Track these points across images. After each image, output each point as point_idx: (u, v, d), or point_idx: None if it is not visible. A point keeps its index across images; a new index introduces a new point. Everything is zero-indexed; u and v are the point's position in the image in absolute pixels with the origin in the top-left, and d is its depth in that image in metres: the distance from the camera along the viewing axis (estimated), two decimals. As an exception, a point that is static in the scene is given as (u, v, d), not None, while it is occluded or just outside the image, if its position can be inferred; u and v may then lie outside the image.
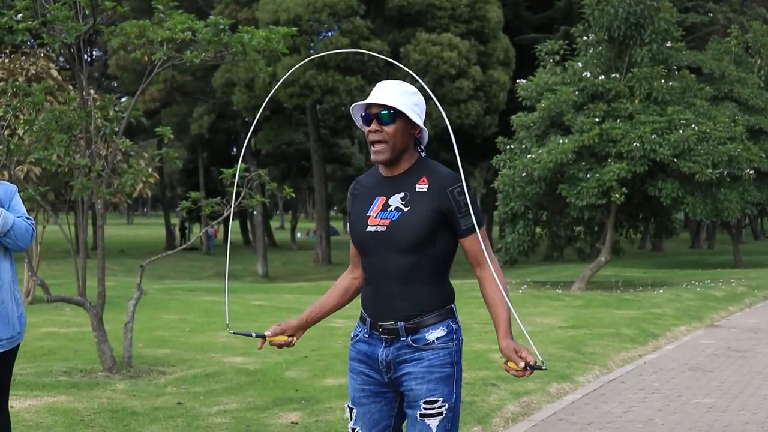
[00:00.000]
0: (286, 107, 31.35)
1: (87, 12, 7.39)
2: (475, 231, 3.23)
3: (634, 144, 17.08)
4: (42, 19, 7.29)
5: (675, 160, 17.15)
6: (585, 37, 18.94)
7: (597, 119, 17.64)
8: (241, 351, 9.23)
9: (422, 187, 3.25)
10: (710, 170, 17.19)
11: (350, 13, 28.30)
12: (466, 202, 3.22)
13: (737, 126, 19.62)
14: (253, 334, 3.41)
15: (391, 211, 3.26)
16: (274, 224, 79.51)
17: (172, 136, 7.32)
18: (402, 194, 3.27)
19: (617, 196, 16.97)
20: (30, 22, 7.21)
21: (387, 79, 25.39)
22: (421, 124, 3.28)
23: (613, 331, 11.20)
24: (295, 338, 3.48)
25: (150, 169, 11.12)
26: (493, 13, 30.39)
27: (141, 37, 7.55)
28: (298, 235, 63.06)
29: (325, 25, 28.18)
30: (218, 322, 12.05)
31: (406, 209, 3.23)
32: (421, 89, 3.39)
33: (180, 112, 38.16)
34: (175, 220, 55.73)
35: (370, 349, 3.35)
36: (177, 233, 54.18)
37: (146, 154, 11.00)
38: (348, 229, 3.54)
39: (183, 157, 56.73)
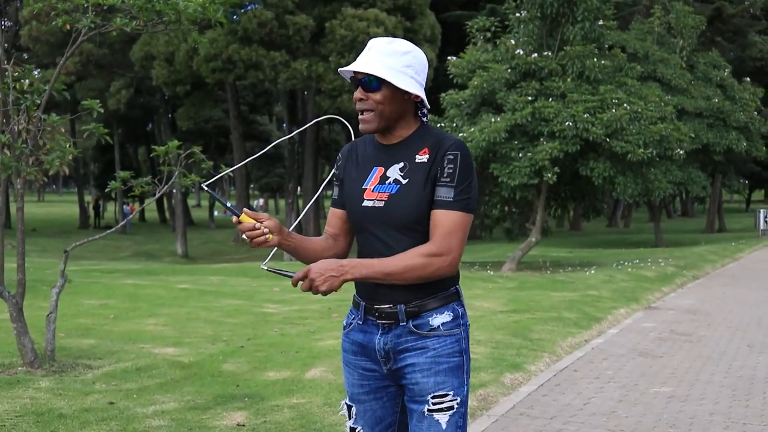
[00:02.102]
0: (208, 82, 30.47)
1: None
2: (446, 208, 2.76)
3: (567, 123, 16.89)
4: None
5: (608, 139, 17.02)
6: (517, 14, 18.64)
7: (529, 98, 17.39)
8: (173, 341, 8.67)
9: (423, 157, 2.84)
10: (642, 150, 17.09)
11: (274, -14, 27.58)
12: (454, 172, 2.77)
13: (667, 106, 19.59)
14: (229, 204, 2.83)
15: (389, 183, 2.87)
16: (191, 202, 78.21)
17: (101, 110, 6.70)
18: (401, 164, 2.87)
19: (549, 175, 16.77)
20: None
21: (312, 52, 24.59)
22: (413, 89, 2.82)
23: (555, 315, 10.94)
24: (271, 236, 2.79)
25: (68, 145, 10.42)
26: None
27: (64, 2, 6.89)
28: (216, 213, 62.03)
29: (249, -2, 27.41)
30: (143, 307, 11.43)
31: (404, 181, 2.84)
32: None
33: (96, 86, 36.92)
34: (88, 198, 54.19)
35: (366, 338, 2.95)
36: (91, 211, 52.75)
37: (63, 129, 10.26)
38: (333, 196, 3.14)
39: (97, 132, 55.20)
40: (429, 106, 2.95)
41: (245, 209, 2.81)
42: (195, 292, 13.37)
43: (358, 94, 2.84)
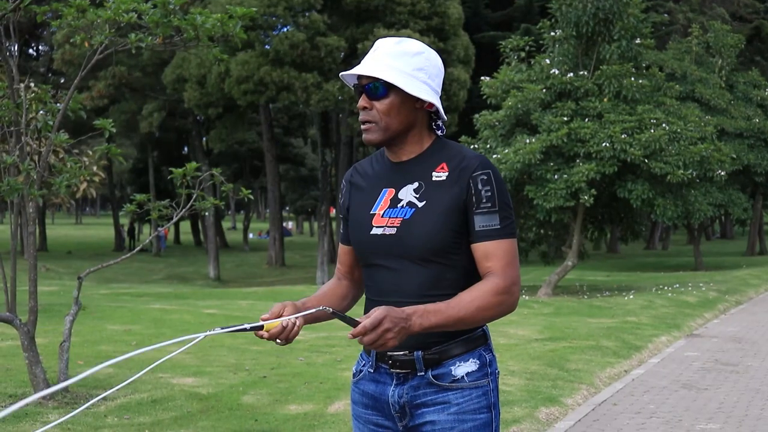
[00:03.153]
0: (240, 105, 30.34)
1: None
2: (497, 238, 2.39)
3: (604, 144, 16.44)
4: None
5: (646, 160, 16.54)
6: (552, 33, 18.24)
7: (565, 118, 16.97)
8: (193, 370, 8.33)
9: (440, 175, 2.45)
10: (681, 171, 16.59)
11: (307, 8, 27.39)
12: (493, 195, 2.39)
13: (707, 126, 19.07)
14: (247, 326, 2.32)
15: (402, 207, 2.47)
16: (226, 225, 78.37)
17: (113, 130, 6.40)
18: (415, 185, 2.47)
19: (586, 197, 16.31)
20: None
21: (345, 70, 24.73)
22: (425, 95, 2.43)
23: (594, 343, 10.48)
24: (297, 321, 2.36)
25: (95, 168, 10.09)
26: (454, 10, 29.66)
27: (79, 19, 6.63)
28: (251, 236, 62.01)
29: (281, 20, 27.22)
30: (167, 333, 11.13)
31: (420, 204, 2.44)
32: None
33: (129, 109, 36.94)
34: (124, 221, 54.34)
35: (378, 389, 2.54)
36: (126, 235, 52.87)
37: (90, 152, 9.95)
38: (341, 229, 2.73)
39: (132, 156, 55.54)
40: (446, 117, 2.56)
41: (262, 317, 2.37)
42: (222, 318, 13.06)
43: (362, 102, 2.46)
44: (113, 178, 54.96)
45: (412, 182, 2.48)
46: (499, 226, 2.39)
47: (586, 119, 17.09)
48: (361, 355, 2.65)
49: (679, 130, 17.21)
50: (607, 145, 16.41)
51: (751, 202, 31.65)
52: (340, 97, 27.62)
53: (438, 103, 2.48)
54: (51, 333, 10.48)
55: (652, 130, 16.66)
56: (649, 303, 15.36)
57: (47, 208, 65.90)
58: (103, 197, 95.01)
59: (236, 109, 34.33)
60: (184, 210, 6.84)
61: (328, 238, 34.80)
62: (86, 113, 7.31)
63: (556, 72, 17.58)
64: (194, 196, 6.95)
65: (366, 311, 2.53)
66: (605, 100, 17.32)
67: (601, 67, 17.56)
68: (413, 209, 2.44)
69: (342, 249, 2.72)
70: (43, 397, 6.75)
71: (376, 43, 2.51)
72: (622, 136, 16.44)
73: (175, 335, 10.90)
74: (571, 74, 17.58)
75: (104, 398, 6.94)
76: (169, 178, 7.37)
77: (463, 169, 2.42)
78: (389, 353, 2.46)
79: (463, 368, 2.45)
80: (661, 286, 18.93)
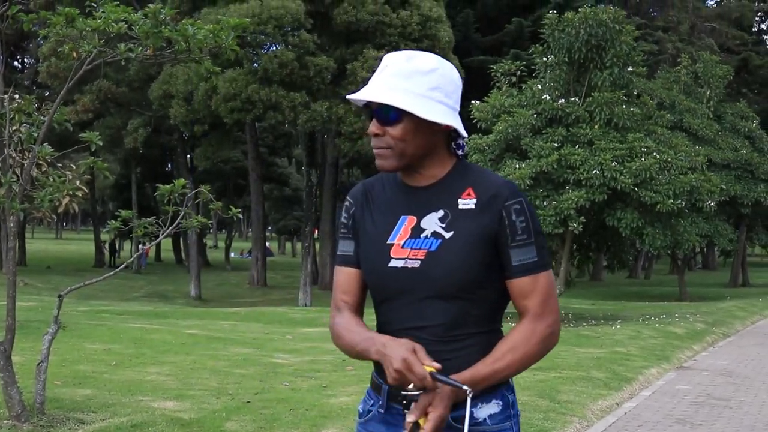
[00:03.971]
0: (226, 122, 30.11)
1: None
2: (535, 271, 2.19)
3: (594, 171, 16.34)
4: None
5: (636, 189, 16.43)
6: (544, 59, 18.15)
7: (555, 144, 16.85)
8: (174, 393, 8.06)
9: (468, 202, 2.22)
10: (671, 200, 16.48)
11: (297, 27, 27.20)
12: (528, 226, 2.19)
13: (697, 156, 19.00)
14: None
15: (426, 237, 2.22)
16: (207, 243, 77.87)
17: (100, 143, 6.17)
18: (440, 213, 2.23)
19: (575, 225, 16.18)
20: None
21: (332, 94, 23.84)
22: (442, 118, 2.18)
23: (584, 374, 10.27)
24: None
25: (78, 182, 9.89)
26: (444, 33, 29.59)
27: (68, 28, 6.41)
28: (232, 255, 61.60)
29: (270, 38, 27.03)
30: (147, 354, 10.85)
31: (447, 235, 2.20)
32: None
33: (114, 124, 36.65)
34: (105, 237, 53.83)
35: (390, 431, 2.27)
36: (106, 252, 52.41)
37: (73, 166, 9.78)
38: (341, 252, 2.37)
39: (116, 171, 55.11)
40: (466, 135, 2.32)
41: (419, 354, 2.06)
42: (203, 339, 12.78)
43: (373, 128, 2.21)
44: (95, 194, 54.58)
45: (436, 210, 2.24)
46: (536, 259, 2.20)
47: (577, 146, 16.98)
48: (368, 392, 2.38)
49: (669, 159, 17.13)
50: (598, 172, 16.31)
51: (736, 233, 31.63)
52: (327, 117, 27.44)
53: (457, 123, 2.24)
54: (28, 351, 10.18)
55: (643, 159, 16.57)
56: (636, 333, 15.18)
57: (27, 222, 65.35)
58: (85, 212, 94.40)
59: (222, 127, 34.09)
60: (170, 228, 6.61)
61: (312, 259, 34.54)
62: (71, 127, 7.08)
63: (548, 97, 17.50)
64: (181, 214, 6.71)
65: None
66: (596, 127, 17.22)
67: (592, 93, 17.48)
68: (440, 240, 2.20)
69: (347, 273, 2.38)
70: (18, 420, 6.48)
71: (384, 59, 2.27)
72: (613, 164, 16.35)
73: (155, 356, 10.65)
74: (563, 100, 17.50)
75: (81, 422, 6.68)
76: (155, 194, 7.13)
77: (493, 197, 2.20)
78: (403, 392, 2.18)
79: (485, 410, 2.23)
80: (647, 316, 18.76)
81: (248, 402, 7.73)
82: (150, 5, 6.24)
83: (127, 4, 6.69)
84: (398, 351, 2.03)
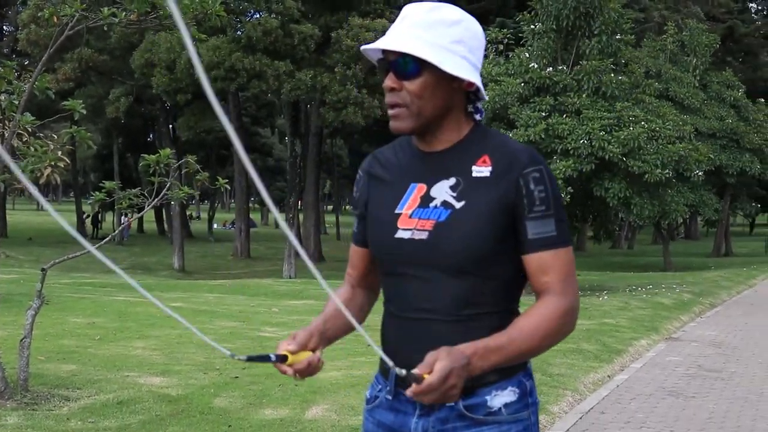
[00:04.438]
0: (209, 92, 29.74)
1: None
2: (554, 247, 1.99)
3: (582, 141, 16.21)
4: None
5: (624, 158, 16.31)
6: (532, 26, 17.95)
7: (543, 113, 16.69)
8: (160, 368, 7.90)
9: (482, 170, 2.02)
10: (659, 170, 16.39)
11: (280, -6, 26.90)
12: (547, 196, 1.99)
13: (685, 125, 18.89)
14: (272, 356, 1.91)
15: (435, 207, 2.04)
16: (191, 214, 77.53)
17: (84, 112, 5.96)
18: (452, 180, 2.05)
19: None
20: None
21: (317, 62, 23.40)
22: (466, 74, 1.99)
23: (574, 346, 10.18)
24: (320, 353, 2.04)
25: (59, 153, 9.67)
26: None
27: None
28: (215, 226, 61.33)
29: (254, 5, 26.65)
30: (132, 328, 10.68)
31: (458, 205, 2.02)
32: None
33: (95, 93, 36.23)
34: (87, 208, 53.46)
35: (398, 420, 2.11)
36: (89, 224, 52.03)
37: (55, 136, 9.56)
38: (354, 230, 2.28)
39: (97, 141, 54.57)
40: (486, 97, 2.13)
41: (287, 347, 1.97)
42: (189, 312, 12.62)
43: (389, 81, 2.00)
44: (77, 164, 54.10)
45: (447, 177, 2.06)
46: (555, 233, 2.00)
47: (564, 115, 16.83)
48: (376, 377, 2.22)
49: (657, 128, 17.02)
50: (585, 142, 16.18)
51: (721, 203, 31.66)
52: (312, 86, 27.17)
53: (479, 82, 2.05)
54: (10, 325, 10.02)
55: (631, 128, 16.45)
56: (624, 304, 15.12)
57: (8, 193, 64.73)
58: (66, 183, 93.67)
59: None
60: (156, 200, 6.43)
61: (296, 230, 34.35)
62: (53, 95, 6.86)
63: (535, 66, 17.32)
64: (167, 185, 6.52)
65: (385, 326, 2.14)
66: (584, 96, 17.07)
67: (580, 62, 17.32)
68: (449, 210, 2.02)
69: (354, 251, 2.29)
70: (1, 397, 6.31)
71: (404, 9, 2.05)
72: (601, 134, 16.22)
73: (140, 330, 10.49)
74: (550, 69, 17.33)
75: (67, 399, 6.52)
76: (139, 165, 6.93)
77: (510, 164, 2.00)
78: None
79: (500, 398, 2.04)
80: (633, 287, 18.73)
81: (236, 377, 7.59)
82: (134, -32, 6.02)
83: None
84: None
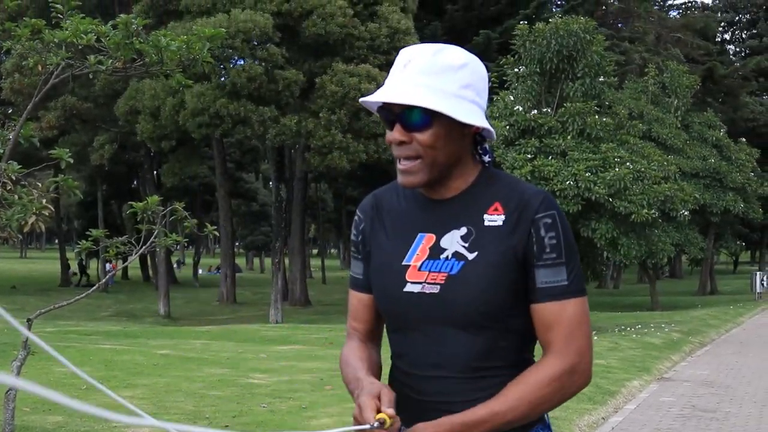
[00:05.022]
0: (194, 138, 29.76)
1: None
2: (563, 297, 1.90)
3: (568, 182, 16.24)
4: None
5: (610, 199, 16.35)
6: (516, 70, 18.07)
7: (529, 155, 16.75)
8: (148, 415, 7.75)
9: (495, 218, 1.94)
10: (646, 210, 16.43)
11: (265, 40, 26.92)
12: (558, 243, 1.91)
13: (670, 165, 18.99)
14: (372, 425, 1.77)
15: (447, 259, 1.94)
16: (173, 259, 77.23)
17: (71, 160, 5.91)
18: (463, 230, 1.95)
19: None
20: None
21: (302, 108, 23.43)
22: (478, 120, 1.91)
23: (567, 388, 10.09)
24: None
25: (44, 201, 9.59)
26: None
27: (34, 40, 6.16)
28: (201, 271, 61.04)
29: (238, 53, 26.74)
30: (119, 376, 10.54)
31: (471, 256, 1.92)
32: None
33: (79, 141, 36.11)
34: (71, 255, 53.12)
35: None
36: (75, 269, 51.73)
37: (40, 184, 9.44)
38: (353, 274, 2.15)
39: (82, 188, 54.47)
40: (494, 137, 2.03)
41: (384, 412, 1.80)
42: (176, 359, 12.47)
43: (398, 135, 1.90)
44: (61, 212, 53.88)
45: (458, 227, 1.96)
46: (566, 283, 1.91)
47: (550, 157, 16.88)
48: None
49: (642, 169, 17.09)
50: (572, 183, 16.21)
51: (705, 241, 31.78)
52: (297, 131, 27.20)
53: (489, 124, 1.97)
54: (-6, 375, 9.85)
55: (617, 169, 16.50)
56: (614, 345, 15.05)
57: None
58: (50, 230, 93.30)
59: (190, 143, 33.72)
60: (144, 247, 6.35)
61: (282, 275, 34.22)
62: (38, 143, 6.81)
63: (520, 108, 17.41)
64: (155, 233, 6.44)
65: (393, 382, 2.04)
66: (569, 137, 17.14)
67: (564, 104, 17.42)
68: (462, 262, 1.92)
69: (358, 299, 2.15)
70: (-14, 450, 6.18)
71: (405, 53, 1.94)
72: (587, 175, 16.26)
73: (127, 378, 10.34)
74: (535, 111, 17.41)
75: (53, 451, 6.38)
76: (123, 212, 6.86)
77: (523, 211, 1.93)
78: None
79: None
80: (623, 327, 18.68)
81: (227, 426, 7.47)
82: (121, 15, 6.00)
83: (92, 17, 6.42)
84: (362, 395, 1.83)
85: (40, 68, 6.50)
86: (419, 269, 1.96)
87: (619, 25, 46.18)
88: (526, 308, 1.95)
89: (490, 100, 18.74)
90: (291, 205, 36.31)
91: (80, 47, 6.22)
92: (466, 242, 1.94)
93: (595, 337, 16.30)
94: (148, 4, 30.39)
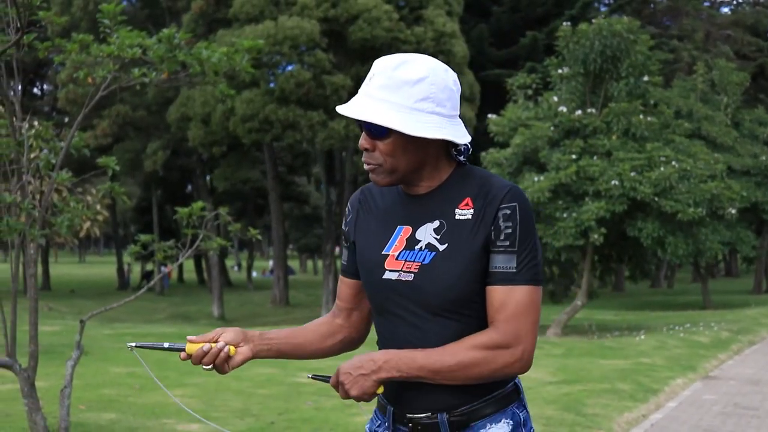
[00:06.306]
0: (244, 143, 30.23)
1: (18, 25, 6.28)
2: (510, 283, 2.05)
3: (613, 182, 16.27)
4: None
5: (656, 198, 16.35)
6: (559, 71, 18.13)
7: (574, 156, 16.80)
8: (199, 414, 8.04)
9: (465, 212, 2.10)
10: (692, 209, 16.39)
11: (312, 46, 27.31)
12: (513, 233, 2.05)
13: (717, 164, 18.89)
14: (166, 345, 2.22)
15: (421, 250, 2.12)
16: (229, 263, 78.08)
17: (117, 168, 6.20)
18: (436, 223, 2.13)
19: (596, 236, 16.11)
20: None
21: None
22: (432, 132, 2.04)
23: (609, 386, 10.20)
24: (233, 350, 2.16)
25: (99, 207, 9.89)
26: (459, 48, 29.60)
27: (82, 54, 6.46)
28: (254, 274, 61.67)
29: (286, 59, 27.15)
30: (172, 377, 10.86)
31: (441, 247, 2.09)
32: None
33: (133, 148, 36.83)
34: (127, 259, 54.03)
35: None
36: (134, 272, 52.58)
37: (94, 191, 9.70)
38: (342, 261, 2.42)
39: (136, 194, 55.45)
40: (464, 140, 2.14)
41: (188, 337, 2.17)
42: (226, 360, 12.76)
43: (363, 141, 2.11)
44: (117, 217, 54.86)
45: (431, 220, 2.14)
46: (514, 270, 2.05)
47: (595, 157, 16.93)
48: (375, 412, 2.32)
49: (688, 167, 17.03)
50: (617, 183, 16.24)
51: (759, 239, 31.43)
52: (345, 135, 27.48)
53: (451, 132, 2.08)
54: (53, 376, 10.22)
55: (662, 168, 16.49)
56: (661, 344, 15.07)
57: (50, 246, 65.76)
58: (107, 236, 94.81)
59: (240, 148, 34.21)
60: (190, 250, 6.63)
61: (333, 276, 34.53)
62: (90, 152, 7.13)
63: (564, 109, 17.45)
64: (200, 236, 6.72)
65: None
66: (614, 137, 17.16)
67: (609, 104, 17.44)
68: (433, 253, 2.10)
69: (343, 282, 2.39)
70: (43, 446, 6.48)
71: (375, 64, 2.12)
72: (632, 174, 16.27)
73: (179, 378, 10.66)
74: (579, 112, 17.45)
75: (106, 446, 6.69)
76: (174, 218, 7.15)
77: (489, 204, 2.08)
78: (408, 414, 2.15)
79: (494, 431, 2.13)
80: (671, 326, 18.62)
81: (272, 423, 7.73)
82: (164, 29, 6.28)
83: (141, 29, 6.73)
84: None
85: (89, 80, 6.82)
86: (397, 258, 2.15)
87: (667, 23, 45.79)
88: None
89: (536, 101, 18.84)
90: (341, 208, 36.63)
91: (126, 60, 6.52)
92: (438, 234, 2.12)
93: (642, 336, 16.31)
94: (197, 13, 30.93)
